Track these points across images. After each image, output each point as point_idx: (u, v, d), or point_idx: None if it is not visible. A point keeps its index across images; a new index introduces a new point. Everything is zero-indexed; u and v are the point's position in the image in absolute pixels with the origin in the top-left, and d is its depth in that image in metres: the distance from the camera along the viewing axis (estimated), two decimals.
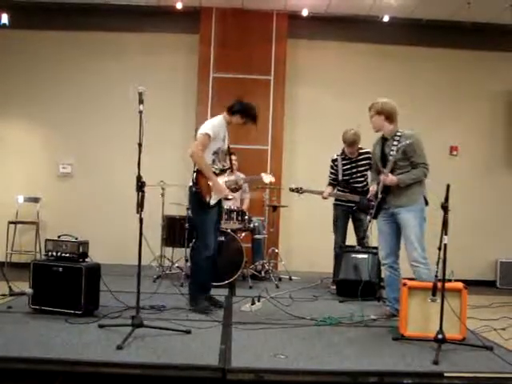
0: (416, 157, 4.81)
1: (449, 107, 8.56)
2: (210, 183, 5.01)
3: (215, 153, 5.11)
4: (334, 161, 6.70)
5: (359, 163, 6.57)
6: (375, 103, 4.99)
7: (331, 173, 6.74)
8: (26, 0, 8.05)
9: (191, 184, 5.04)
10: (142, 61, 8.46)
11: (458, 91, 8.59)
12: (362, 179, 6.60)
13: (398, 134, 4.90)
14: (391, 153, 4.85)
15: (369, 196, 5.36)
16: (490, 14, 7.91)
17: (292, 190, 6.74)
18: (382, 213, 4.98)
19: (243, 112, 5.21)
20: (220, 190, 5.06)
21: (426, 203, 4.89)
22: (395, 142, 4.86)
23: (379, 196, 4.95)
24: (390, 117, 4.92)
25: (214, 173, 5.08)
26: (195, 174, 5.03)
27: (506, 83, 8.64)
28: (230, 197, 5.34)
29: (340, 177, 6.62)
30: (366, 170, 6.55)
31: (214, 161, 5.12)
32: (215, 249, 5.18)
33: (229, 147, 5.34)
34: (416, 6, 7.89)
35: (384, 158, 4.95)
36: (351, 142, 6.44)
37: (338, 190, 6.65)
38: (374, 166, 5.30)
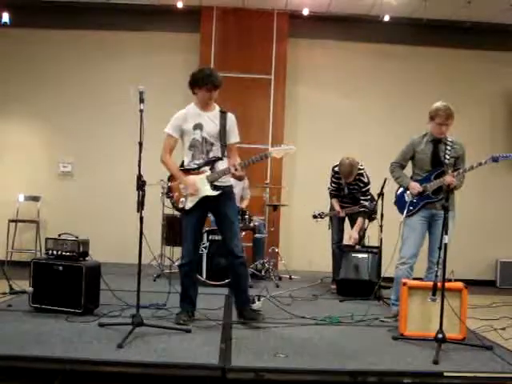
0: (463, 165, 4.87)
1: None
2: (180, 185, 4.59)
3: (191, 146, 4.55)
4: (336, 172, 6.50)
5: (359, 183, 6.50)
6: (453, 111, 4.83)
7: (334, 182, 6.58)
8: None
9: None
10: (142, 60, 8.46)
11: (459, 91, 8.57)
12: (366, 189, 6.54)
13: (450, 139, 4.94)
14: (446, 156, 4.88)
15: (415, 193, 4.93)
16: (491, 13, 7.91)
17: (315, 216, 6.66)
18: (420, 211, 4.94)
19: (194, 82, 4.54)
20: (187, 187, 4.51)
21: None
22: (449, 147, 4.90)
23: (436, 196, 4.86)
24: None
25: (192, 170, 4.56)
26: (167, 181, 4.81)
27: (507, 83, 8.64)
28: (210, 193, 4.47)
29: (346, 191, 6.52)
30: (367, 191, 6.52)
31: (193, 156, 4.56)
32: (192, 260, 4.63)
33: (222, 132, 4.55)
34: (417, 6, 7.89)
35: (436, 159, 4.92)
36: (347, 173, 6.32)
37: (343, 202, 6.59)
38: (401, 162, 5.13)
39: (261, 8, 8.34)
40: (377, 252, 6.20)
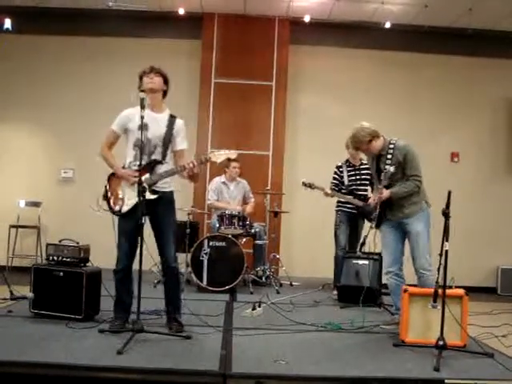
0: (408, 169, 4.75)
1: (450, 113, 8.57)
2: (119, 187, 4.50)
3: (135, 146, 4.36)
4: (338, 167, 6.81)
5: (362, 172, 6.71)
6: (360, 137, 4.80)
7: (334, 178, 6.81)
8: (29, 5, 8.08)
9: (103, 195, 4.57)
10: (143, 66, 8.37)
11: (459, 97, 8.61)
12: (365, 188, 6.66)
13: (391, 146, 4.80)
14: (385, 167, 4.76)
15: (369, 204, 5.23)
16: (492, 20, 7.93)
17: (305, 184, 6.61)
18: (385, 221, 4.94)
19: (139, 78, 4.65)
20: (127, 178, 4.42)
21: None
22: (389, 156, 4.77)
23: (378, 209, 4.88)
24: (375, 136, 4.83)
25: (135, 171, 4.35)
26: (106, 183, 4.59)
27: (507, 90, 8.66)
28: (148, 197, 4.20)
29: (346, 182, 6.70)
30: (367, 180, 6.67)
31: (135, 156, 4.37)
32: (126, 266, 4.42)
33: (167, 136, 4.41)
34: (418, 13, 7.92)
35: (379, 173, 4.88)
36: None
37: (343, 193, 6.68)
38: (373, 180, 5.27)
39: (262, 14, 8.37)
40: (378, 259, 6.19)
